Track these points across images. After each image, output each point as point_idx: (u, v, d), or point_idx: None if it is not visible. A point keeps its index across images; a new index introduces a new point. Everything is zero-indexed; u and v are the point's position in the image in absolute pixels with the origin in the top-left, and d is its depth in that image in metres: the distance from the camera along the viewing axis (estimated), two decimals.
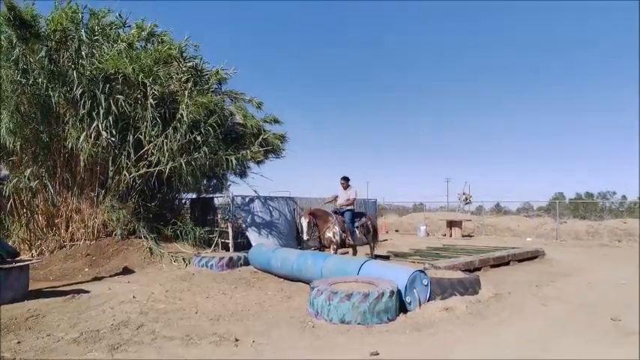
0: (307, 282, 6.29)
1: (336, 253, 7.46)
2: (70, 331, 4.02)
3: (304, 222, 7.44)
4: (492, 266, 8.11)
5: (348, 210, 8.07)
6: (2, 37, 7.57)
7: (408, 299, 4.75)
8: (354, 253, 8.50)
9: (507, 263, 8.58)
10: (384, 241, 15.07)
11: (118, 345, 3.64)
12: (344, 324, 4.20)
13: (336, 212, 8.10)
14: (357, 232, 8.09)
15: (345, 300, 4.23)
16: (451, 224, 17.06)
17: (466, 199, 24.22)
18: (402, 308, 4.66)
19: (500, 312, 4.91)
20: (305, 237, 7.52)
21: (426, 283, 4.99)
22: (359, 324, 4.19)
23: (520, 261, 8.94)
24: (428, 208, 28.39)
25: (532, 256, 9.44)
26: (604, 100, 71.65)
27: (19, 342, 3.69)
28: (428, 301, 4.96)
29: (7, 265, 5.16)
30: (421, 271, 5.11)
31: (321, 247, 7.95)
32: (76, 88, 7.57)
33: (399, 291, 4.62)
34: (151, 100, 8.04)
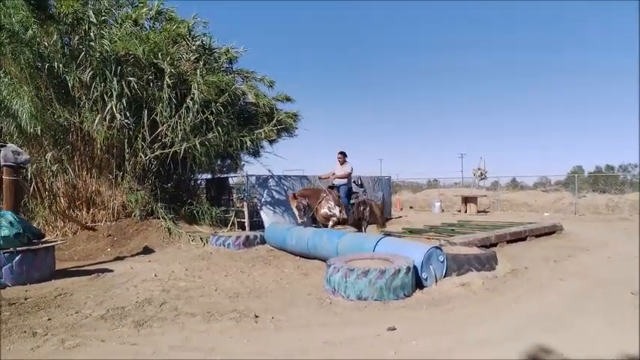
0: (323, 259, 6.37)
1: (334, 227, 7.37)
2: (97, 308, 4.18)
3: (293, 207, 7.27)
4: (509, 242, 8.06)
5: (343, 185, 7.83)
6: (15, 21, 7.59)
7: (424, 275, 4.77)
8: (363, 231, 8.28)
9: (524, 239, 8.51)
10: (399, 217, 15.09)
11: (143, 321, 3.77)
12: (361, 300, 4.26)
13: (331, 187, 7.93)
14: (353, 209, 7.82)
15: (361, 277, 4.27)
16: (466, 200, 16.93)
17: (481, 175, 23.95)
18: (419, 284, 4.69)
19: (518, 288, 4.90)
20: (299, 220, 7.35)
21: (442, 260, 4.99)
22: (376, 300, 4.24)
23: (537, 236, 8.85)
24: (442, 185, 28.22)
25: (550, 231, 9.34)
26: (624, 67, 68.81)
27: (49, 319, 3.85)
28: (444, 277, 4.97)
29: (33, 247, 5.34)
30: (437, 247, 5.10)
31: (318, 225, 7.74)
32: (88, 71, 7.60)
33: (415, 267, 4.64)
34: (168, 80, 8.03)
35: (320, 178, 8.77)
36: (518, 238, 8.40)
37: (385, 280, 4.26)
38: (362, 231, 8.09)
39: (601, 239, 8.96)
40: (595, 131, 69.47)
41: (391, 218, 14.37)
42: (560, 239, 8.94)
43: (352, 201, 7.79)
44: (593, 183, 25.88)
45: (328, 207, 7.37)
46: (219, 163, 11.75)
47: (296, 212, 7.25)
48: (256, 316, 3.86)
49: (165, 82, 8.01)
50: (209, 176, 12.19)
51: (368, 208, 8.09)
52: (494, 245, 7.60)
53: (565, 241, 8.74)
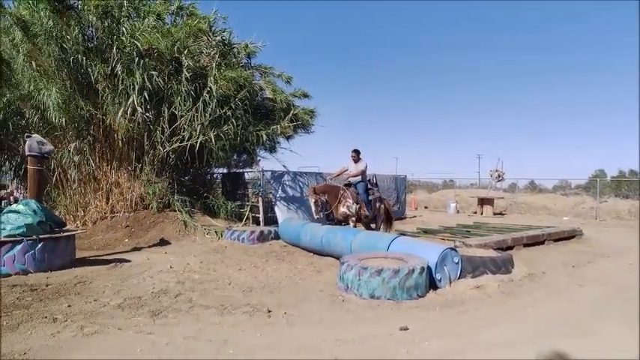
0: (336, 257, 6.37)
1: (355, 226, 7.31)
2: (115, 297, 4.28)
3: (311, 201, 7.14)
4: (526, 245, 7.91)
5: (361, 182, 7.69)
6: (42, 15, 7.78)
7: (438, 276, 4.73)
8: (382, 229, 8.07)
9: (542, 242, 8.33)
10: (413, 217, 14.97)
11: (159, 311, 3.84)
12: (374, 299, 4.25)
13: (347, 185, 7.74)
14: (372, 205, 7.69)
15: (375, 275, 4.26)
16: (482, 202, 16.66)
17: (498, 176, 23.51)
18: (432, 285, 4.65)
19: (534, 292, 4.81)
20: (315, 216, 7.20)
21: (456, 261, 4.94)
22: (389, 299, 4.22)
23: (556, 240, 8.65)
24: (458, 185, 27.83)
25: (569, 236, 9.12)
26: None
27: (69, 305, 3.96)
28: (458, 278, 4.92)
29: (55, 235, 5.50)
30: (452, 248, 5.05)
31: (336, 222, 7.60)
32: (112, 64, 7.76)
33: (429, 268, 4.60)
34: (186, 74, 8.13)
35: (331, 178, 8.39)
36: (535, 241, 8.23)
37: (399, 279, 4.24)
38: (376, 228, 7.91)
39: (622, 245, 8.71)
40: (619, 134, 67.38)
41: (405, 217, 14.28)
42: (579, 244, 8.72)
43: (370, 197, 7.66)
44: (615, 188, 25.11)
45: (347, 206, 7.24)
46: (235, 157, 11.86)
47: (313, 207, 7.11)
48: (269, 311, 3.89)
49: (183, 75, 8.09)
50: (224, 171, 12.32)
51: (383, 206, 7.97)
52: (511, 248, 7.47)
53: (585, 246, 8.52)
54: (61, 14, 7.74)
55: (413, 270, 4.32)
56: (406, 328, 3.49)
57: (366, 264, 4.46)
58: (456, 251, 5.02)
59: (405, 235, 8.30)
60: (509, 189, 24.45)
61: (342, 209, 7.23)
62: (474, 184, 33.66)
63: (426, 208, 21.05)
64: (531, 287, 4.98)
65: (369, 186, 7.94)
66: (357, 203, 7.30)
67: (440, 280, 4.74)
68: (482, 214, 16.15)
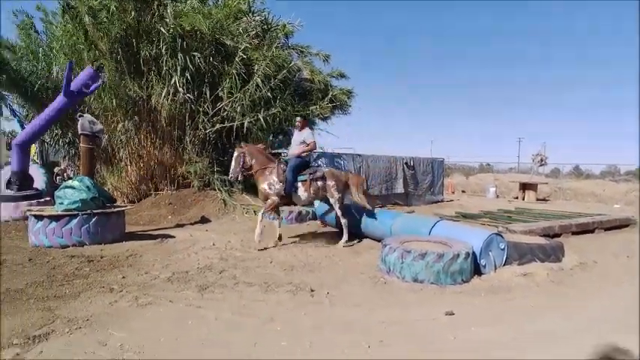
0: (375, 239, 6.35)
1: (274, 211, 6.19)
2: (164, 270, 4.47)
3: (234, 155, 6.13)
4: (574, 233, 7.53)
5: (295, 157, 6.18)
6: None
7: (482, 262, 4.59)
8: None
9: (592, 231, 7.91)
10: (450, 201, 14.62)
11: (206, 286, 3.97)
12: (416, 282, 4.20)
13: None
14: (302, 187, 6.05)
15: (418, 259, 4.19)
16: (524, 187, 15.98)
17: (541, 161, 22.45)
18: (477, 271, 4.54)
19: (586, 282, 4.58)
20: (230, 175, 6.28)
21: (502, 247, 4.77)
22: (432, 283, 4.16)
23: (607, 229, 8.19)
24: (496, 169, 26.83)
25: (621, 225, 8.60)
26: None
27: (123, 277, 4.18)
28: (504, 265, 4.76)
29: (107, 210, 5.78)
30: (498, 234, 4.88)
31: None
32: (162, 45, 7.93)
33: (474, 253, 4.48)
34: (242, 55, 8.17)
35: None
36: (584, 229, 7.82)
37: (443, 263, 4.16)
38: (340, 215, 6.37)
39: None
40: None
41: (443, 201, 13.97)
42: (633, 234, 8.20)
43: (303, 177, 6.07)
44: None
45: (269, 183, 5.99)
46: (270, 138, 11.95)
47: (232, 163, 6.14)
48: (312, 290, 3.93)
49: (235, 58, 8.15)
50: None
51: (333, 184, 6.15)
52: (558, 236, 7.14)
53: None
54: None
55: (458, 255, 4.22)
56: (452, 313, 3.43)
57: (409, 247, 4.40)
58: (502, 237, 4.84)
59: (442, 219, 8.13)
60: (551, 174, 23.30)
61: (263, 185, 6.04)
62: (513, 168, 32.40)
63: (463, 192, 20.50)
64: (583, 277, 4.75)
65: (305, 160, 6.36)
66: (282, 183, 5.99)
67: (484, 266, 4.61)
68: (524, 199, 15.51)
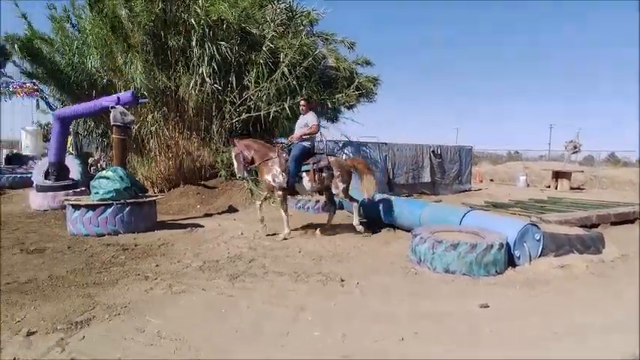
0: (403, 228, 6.27)
1: (283, 203, 5.89)
2: (195, 259, 4.55)
3: (232, 154, 5.98)
4: (613, 224, 7.19)
5: (299, 143, 5.84)
6: None
7: (517, 253, 4.45)
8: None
9: (632, 221, 7.53)
10: (479, 190, 14.26)
11: (236, 275, 4.02)
12: (448, 273, 4.12)
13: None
14: (306, 177, 5.79)
15: (450, 249, 4.10)
16: (557, 175, 15.38)
17: (574, 148, 21.57)
18: (510, 262, 4.40)
19: (629, 275, 4.36)
20: (238, 175, 6.17)
21: (538, 238, 4.60)
22: (464, 275, 4.07)
23: None
24: (525, 157, 25.98)
25: None
26: None
27: (157, 265, 4.29)
28: (539, 257, 4.60)
29: (140, 200, 5.93)
30: (533, 224, 4.70)
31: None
32: (192, 35, 7.99)
33: (508, 244, 4.34)
34: (269, 43, 8.18)
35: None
36: (624, 220, 7.45)
37: (476, 254, 4.05)
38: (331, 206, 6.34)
39: None
40: None
41: (471, 190, 13.66)
42: None
43: (307, 167, 5.78)
44: None
45: (272, 175, 5.78)
46: (292, 127, 11.95)
47: (235, 163, 5.99)
48: (342, 280, 3.92)
49: (262, 47, 8.15)
50: (284, 140, 12.47)
51: (339, 174, 5.90)
52: (596, 226, 6.83)
53: None
54: None
55: (491, 245, 4.09)
56: (486, 306, 3.34)
57: (440, 237, 4.31)
58: (538, 227, 4.67)
59: (473, 209, 7.92)
60: (584, 162, 22.38)
61: (267, 177, 5.84)
62: (543, 156, 31.33)
63: (491, 180, 19.96)
64: (625, 269, 4.53)
65: (307, 148, 5.88)
66: (285, 173, 5.76)
67: (519, 258, 4.46)
68: (556, 188, 14.95)
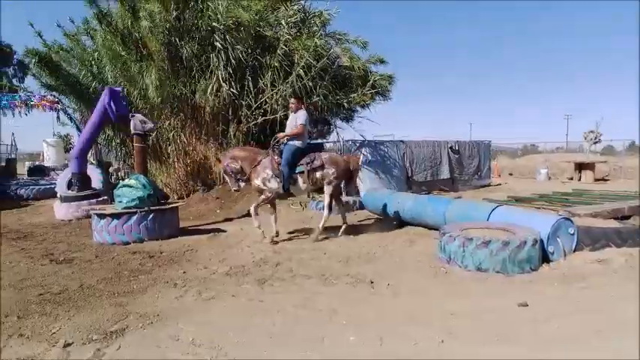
0: (426, 227, 6.15)
1: (260, 204, 5.74)
2: (221, 265, 4.52)
3: (222, 173, 5.84)
4: None
5: (290, 143, 5.62)
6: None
7: (550, 249, 4.30)
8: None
9: None
10: (498, 185, 14.00)
11: (264, 280, 3.98)
12: (480, 271, 4.00)
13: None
14: (300, 179, 5.63)
15: (482, 247, 3.99)
16: (580, 167, 14.99)
17: (595, 138, 21.06)
18: (544, 259, 4.26)
19: None
20: (233, 188, 6.00)
21: (572, 232, 4.45)
22: (497, 272, 3.95)
23: None
24: (542, 150, 25.43)
25: None
26: None
27: (184, 272, 4.28)
28: (574, 252, 4.44)
29: (163, 207, 5.96)
30: (567, 218, 4.55)
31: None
32: (201, 42, 8.03)
33: (541, 240, 4.20)
34: (284, 46, 8.14)
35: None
36: None
37: (509, 251, 3.93)
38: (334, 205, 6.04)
39: None
40: None
41: (490, 185, 13.41)
42: None
43: (301, 168, 5.60)
44: None
45: (263, 178, 5.59)
46: (309, 127, 11.90)
47: (227, 179, 5.89)
48: (372, 282, 3.84)
49: (277, 50, 8.12)
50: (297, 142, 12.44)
51: (333, 171, 5.68)
52: (627, 218, 6.60)
53: None
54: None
55: (525, 242, 3.97)
56: (526, 304, 3.22)
57: (470, 234, 4.20)
58: (572, 221, 4.51)
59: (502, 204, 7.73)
60: (604, 152, 21.81)
61: (257, 182, 5.65)
62: (560, 147, 30.70)
63: (510, 175, 19.60)
64: None
65: (299, 148, 5.65)
66: (278, 177, 5.57)
67: (552, 253, 4.32)
68: (579, 180, 14.57)
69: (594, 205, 7.16)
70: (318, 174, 5.68)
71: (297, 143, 5.64)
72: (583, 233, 4.51)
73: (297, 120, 5.67)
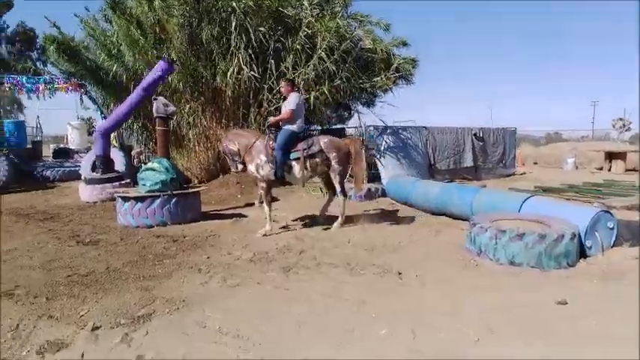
0: (451, 216, 5.99)
1: (267, 195, 5.41)
2: (245, 251, 4.47)
3: (221, 152, 5.56)
4: None
5: (284, 129, 5.29)
6: None
7: (588, 243, 4.10)
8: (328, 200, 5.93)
9: None
10: (523, 174, 13.58)
11: (289, 267, 3.91)
12: (513, 265, 3.84)
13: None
14: (296, 166, 5.27)
15: (516, 240, 3.81)
16: (611, 156, 14.39)
17: (624, 126, 20.22)
18: (581, 253, 4.06)
19: None
20: (232, 170, 5.81)
21: (611, 226, 4.22)
22: (532, 267, 3.77)
23: None
24: (567, 138, 24.58)
25: None
26: None
27: (208, 257, 4.25)
28: (612, 246, 4.22)
29: (186, 191, 5.95)
30: (606, 211, 4.31)
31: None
32: (222, 23, 7.88)
33: (579, 234, 4.00)
34: (306, 29, 7.92)
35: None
36: None
37: (545, 245, 3.74)
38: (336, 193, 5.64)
39: None
40: None
41: (514, 174, 13.02)
42: None
43: (296, 155, 5.24)
44: None
45: (256, 164, 5.27)
46: (327, 113, 11.69)
47: (228, 159, 5.70)
48: (399, 273, 3.73)
49: (299, 33, 7.92)
50: (318, 127, 12.26)
51: (335, 155, 5.34)
52: None
53: None
54: None
55: (562, 235, 3.77)
56: (565, 303, 3.05)
57: (502, 226, 4.02)
58: (612, 215, 4.28)
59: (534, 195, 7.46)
60: (632, 140, 20.96)
61: (251, 168, 5.35)
62: (586, 136, 29.63)
63: (535, 164, 19.02)
64: None
65: (294, 132, 5.30)
66: (272, 163, 5.22)
67: (590, 248, 4.11)
68: (609, 170, 14.00)
69: (628, 197, 6.85)
70: (317, 159, 5.32)
71: (293, 127, 5.30)
72: (623, 227, 4.28)
73: (286, 105, 5.37)
